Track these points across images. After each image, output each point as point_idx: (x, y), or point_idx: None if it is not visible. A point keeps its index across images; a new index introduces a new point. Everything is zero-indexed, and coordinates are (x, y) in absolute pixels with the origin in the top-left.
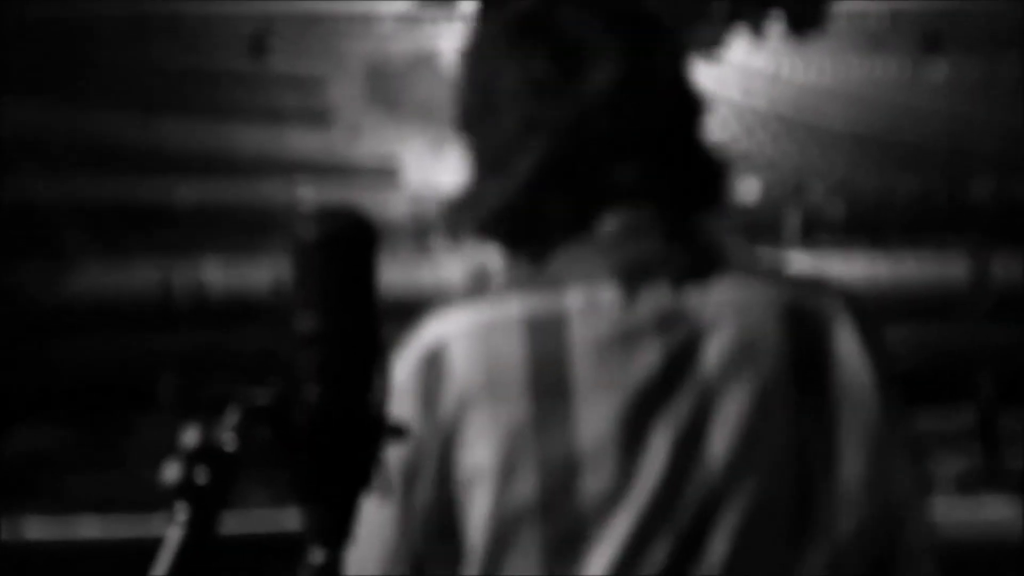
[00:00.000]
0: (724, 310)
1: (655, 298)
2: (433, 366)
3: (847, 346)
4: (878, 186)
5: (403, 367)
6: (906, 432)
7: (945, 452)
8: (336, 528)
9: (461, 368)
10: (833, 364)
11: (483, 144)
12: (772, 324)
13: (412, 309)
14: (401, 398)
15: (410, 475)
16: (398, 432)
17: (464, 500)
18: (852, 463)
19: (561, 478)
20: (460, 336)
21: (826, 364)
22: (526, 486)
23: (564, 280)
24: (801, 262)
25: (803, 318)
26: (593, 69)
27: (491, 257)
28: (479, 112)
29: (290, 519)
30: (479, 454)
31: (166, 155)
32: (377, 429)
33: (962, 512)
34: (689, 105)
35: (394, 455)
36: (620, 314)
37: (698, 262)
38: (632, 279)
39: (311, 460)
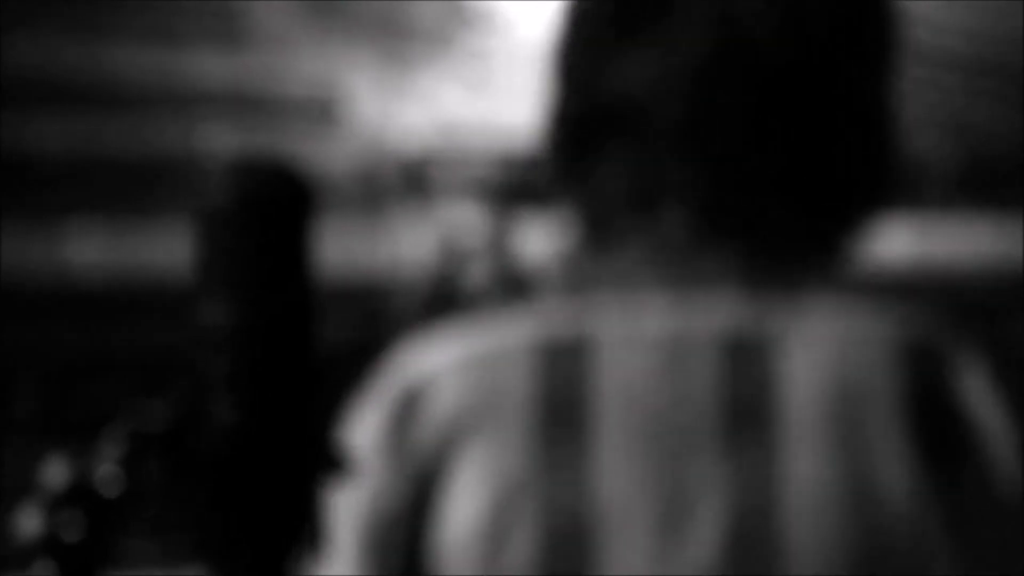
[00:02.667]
0: (817, 341)
1: (721, 319)
2: (410, 409)
3: (980, 400)
4: (1007, 127)
5: (371, 416)
6: None
7: None
8: None
9: (446, 407)
10: (966, 424)
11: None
12: (883, 365)
13: (361, 295)
14: (365, 458)
15: (375, 541)
16: (344, 464)
17: (444, 571)
18: (987, 556)
19: (571, 549)
20: (449, 371)
21: (955, 423)
22: (523, 557)
23: (602, 292)
24: (904, 232)
25: (924, 360)
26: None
27: (464, 225)
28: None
29: None
30: (464, 513)
31: (23, 84)
32: (315, 460)
33: None
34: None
35: (352, 511)
36: (670, 338)
37: (787, 274)
38: (693, 293)
39: (223, 504)
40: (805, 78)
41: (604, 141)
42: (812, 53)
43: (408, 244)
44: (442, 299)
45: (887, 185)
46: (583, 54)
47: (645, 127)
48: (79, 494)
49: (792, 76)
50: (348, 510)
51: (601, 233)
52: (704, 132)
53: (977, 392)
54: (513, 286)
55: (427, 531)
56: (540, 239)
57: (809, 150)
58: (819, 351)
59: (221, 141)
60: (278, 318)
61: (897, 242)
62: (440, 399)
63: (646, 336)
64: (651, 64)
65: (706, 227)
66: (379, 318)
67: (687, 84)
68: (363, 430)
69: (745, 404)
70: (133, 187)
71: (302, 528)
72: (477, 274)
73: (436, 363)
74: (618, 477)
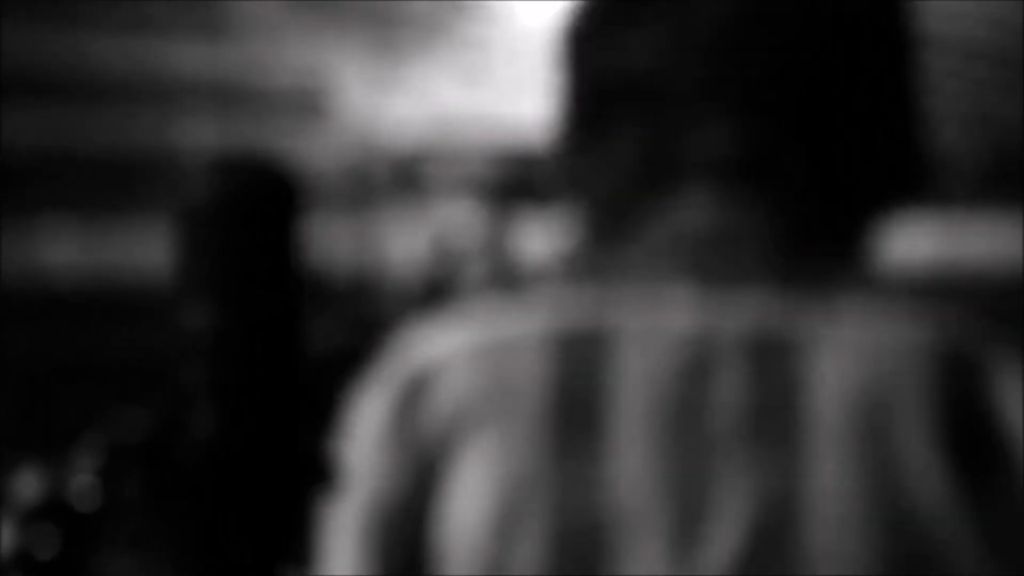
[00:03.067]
0: (847, 346)
1: (748, 318)
2: (416, 396)
3: (1015, 410)
4: None
5: (374, 402)
6: None
7: None
8: None
9: (454, 395)
10: (999, 434)
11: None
12: (916, 373)
13: (350, 297)
14: (367, 447)
15: (377, 533)
16: (334, 476)
17: (447, 568)
18: (1021, 570)
19: (582, 550)
20: (458, 358)
21: (989, 433)
22: (530, 557)
23: (622, 285)
24: (926, 231)
25: (958, 368)
26: None
27: (459, 225)
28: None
29: None
30: (469, 508)
31: None
32: (302, 471)
33: None
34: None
35: (353, 503)
36: (694, 336)
37: (819, 274)
38: (718, 289)
39: (205, 519)
40: (828, 57)
41: (620, 118)
42: (833, 34)
43: (400, 244)
44: (436, 302)
45: (915, 176)
46: (596, 27)
47: (662, 99)
48: (53, 508)
49: (814, 55)
50: (349, 502)
51: (616, 221)
52: (722, 103)
53: (1012, 401)
54: (511, 288)
55: (430, 525)
56: (539, 238)
57: (831, 133)
58: (849, 356)
59: (203, 136)
60: (262, 322)
61: (918, 240)
62: (448, 387)
63: (668, 331)
64: (667, 33)
65: (730, 209)
66: (369, 322)
67: (703, 53)
68: (366, 416)
69: (769, 408)
70: (111, 184)
71: (288, 541)
72: (473, 276)
73: (445, 349)
74: (633, 476)
